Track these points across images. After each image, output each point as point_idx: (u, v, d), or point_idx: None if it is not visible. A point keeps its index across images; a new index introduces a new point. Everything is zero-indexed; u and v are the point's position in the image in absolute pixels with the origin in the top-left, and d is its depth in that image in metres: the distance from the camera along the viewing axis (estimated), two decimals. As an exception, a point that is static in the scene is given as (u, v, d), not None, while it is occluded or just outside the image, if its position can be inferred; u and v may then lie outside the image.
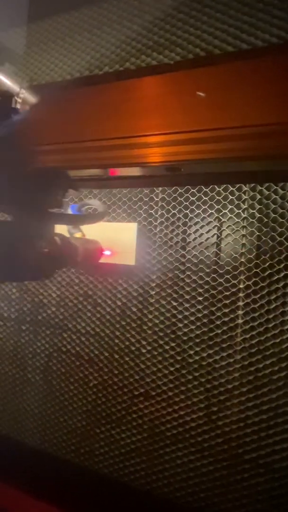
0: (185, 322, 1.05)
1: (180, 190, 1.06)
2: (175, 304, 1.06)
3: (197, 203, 1.03)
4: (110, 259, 1.14)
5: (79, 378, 1.23)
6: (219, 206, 1.01)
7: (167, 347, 1.07)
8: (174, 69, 0.74)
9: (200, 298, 1.03)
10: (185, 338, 1.05)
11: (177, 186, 1.03)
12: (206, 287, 1.02)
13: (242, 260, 0.97)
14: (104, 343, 1.18)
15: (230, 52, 0.99)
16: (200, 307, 1.03)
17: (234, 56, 1.00)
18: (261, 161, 0.58)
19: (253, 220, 0.96)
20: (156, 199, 1.10)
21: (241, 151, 0.52)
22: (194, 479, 1.03)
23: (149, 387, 1.10)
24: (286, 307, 0.92)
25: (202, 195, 1.03)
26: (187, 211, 1.05)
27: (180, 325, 1.05)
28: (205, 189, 1.02)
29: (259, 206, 0.95)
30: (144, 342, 1.11)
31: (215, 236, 1.02)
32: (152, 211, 1.11)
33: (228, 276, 0.99)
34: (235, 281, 0.98)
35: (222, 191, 0.99)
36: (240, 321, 0.97)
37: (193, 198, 1.04)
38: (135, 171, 0.66)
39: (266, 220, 0.94)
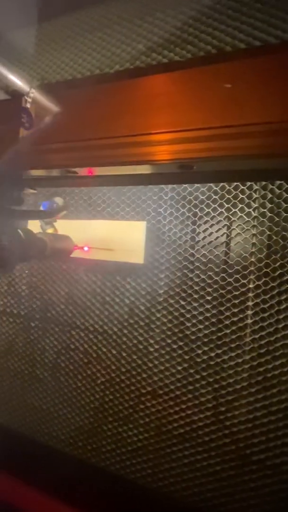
0: (194, 321, 1.04)
1: (189, 189, 1.05)
2: (183, 303, 1.06)
3: (207, 201, 1.03)
4: (116, 257, 1.15)
5: (87, 375, 1.24)
6: (229, 205, 1.00)
7: (175, 346, 1.07)
8: (186, 67, 0.73)
9: (209, 298, 1.02)
10: (193, 337, 1.04)
11: (189, 184, 1.02)
12: (215, 286, 1.01)
13: (252, 259, 0.96)
14: (112, 341, 1.19)
15: (241, 49, 0.97)
16: (208, 306, 1.02)
17: (246, 53, 0.98)
18: (273, 159, 0.57)
19: (264, 219, 0.95)
20: (165, 198, 1.10)
21: (253, 148, 0.51)
22: (201, 479, 1.02)
23: (157, 386, 1.10)
24: (297, 308, 0.91)
25: (212, 194, 1.02)
26: (197, 210, 1.05)
27: (189, 324, 1.05)
28: (215, 188, 1.01)
29: (270, 205, 0.94)
30: (152, 341, 1.11)
31: (225, 235, 1.01)
32: (161, 210, 1.11)
33: (237, 276, 0.98)
34: (244, 281, 0.97)
35: (232, 190, 0.98)
36: (249, 321, 0.96)
37: (203, 197, 1.03)
38: (147, 169, 0.66)
39: (277, 219, 0.93)
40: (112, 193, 1.20)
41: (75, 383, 1.26)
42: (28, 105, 1.07)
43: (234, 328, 0.98)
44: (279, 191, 0.93)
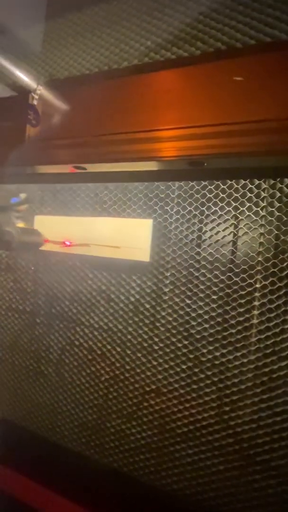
0: (199, 320, 1.04)
1: (197, 187, 1.04)
2: (189, 302, 1.06)
3: (214, 200, 1.02)
4: (121, 255, 1.15)
5: (91, 372, 1.24)
6: (236, 204, 0.99)
7: (179, 345, 1.07)
8: (195, 63, 0.72)
9: (215, 297, 1.01)
10: (198, 336, 1.04)
11: (199, 181, 1.02)
12: (221, 285, 1.01)
13: (259, 259, 0.95)
14: (117, 338, 1.19)
15: (252, 45, 0.96)
16: (214, 305, 1.01)
17: (256, 49, 0.97)
18: (285, 156, 0.56)
19: (272, 218, 0.94)
20: (172, 196, 1.09)
21: (264, 145, 0.50)
22: (204, 478, 1.02)
23: (161, 384, 1.10)
24: (304, 308, 0.90)
25: (220, 192, 1.01)
26: (204, 208, 1.04)
27: (194, 323, 1.05)
28: (222, 186, 1.00)
29: (278, 204, 0.93)
30: (156, 339, 1.11)
31: (232, 234, 1.00)
32: (167, 208, 1.10)
33: (244, 275, 0.97)
34: (251, 280, 0.96)
35: (240, 188, 0.97)
36: (255, 321, 0.96)
37: (210, 195, 1.03)
38: (156, 166, 0.66)
39: (285, 218, 0.92)
40: (119, 190, 1.20)
41: (79, 379, 1.27)
42: (35, 102, 1.07)
43: (239, 327, 0.97)
44: (288, 190, 0.92)
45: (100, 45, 1.22)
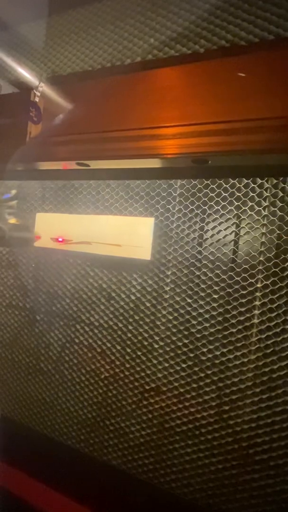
0: (199, 319, 1.04)
1: (199, 186, 1.04)
2: (189, 300, 1.05)
3: (216, 199, 1.02)
4: (123, 253, 1.14)
5: (91, 369, 1.24)
6: (239, 203, 0.98)
7: (180, 344, 1.07)
8: (199, 60, 0.72)
9: (216, 296, 1.01)
10: (198, 335, 1.04)
11: (203, 179, 1.01)
12: (222, 284, 1.00)
13: (261, 258, 0.95)
14: (117, 336, 1.19)
15: (255, 43, 0.95)
16: (215, 305, 1.01)
17: (259, 47, 0.96)
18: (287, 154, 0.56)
19: (274, 218, 0.93)
20: (174, 194, 1.09)
21: (269, 143, 0.50)
22: (202, 476, 1.02)
23: (160, 383, 1.09)
24: (305, 309, 0.90)
25: (222, 191, 1.01)
26: (206, 207, 1.04)
27: (194, 322, 1.04)
28: (225, 185, 1.00)
29: (280, 204, 0.92)
30: (157, 338, 1.11)
31: (233, 233, 1.00)
32: (169, 206, 1.10)
33: (245, 275, 0.97)
34: (252, 280, 0.96)
35: (242, 187, 0.97)
36: (256, 320, 0.95)
37: (212, 194, 1.02)
38: (160, 163, 0.65)
39: (287, 218, 0.92)
40: (121, 188, 1.19)
41: (78, 377, 1.27)
42: (37, 99, 1.07)
43: (240, 327, 0.97)
44: (290, 190, 0.92)
45: (103, 42, 1.22)
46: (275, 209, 0.93)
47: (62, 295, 1.32)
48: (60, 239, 1.27)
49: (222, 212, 1.01)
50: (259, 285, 0.95)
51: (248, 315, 0.96)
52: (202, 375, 1.03)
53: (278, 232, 0.93)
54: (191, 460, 1.04)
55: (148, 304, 1.13)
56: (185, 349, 1.06)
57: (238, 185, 0.98)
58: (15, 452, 1.27)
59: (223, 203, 1.01)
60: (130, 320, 1.16)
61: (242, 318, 0.97)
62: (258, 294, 0.95)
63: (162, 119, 0.56)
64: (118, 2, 1.21)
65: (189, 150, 0.55)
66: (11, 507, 1.15)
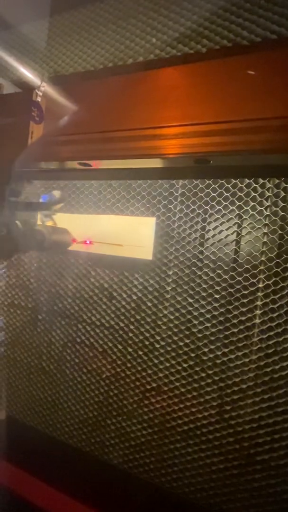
0: (201, 319, 1.04)
1: (200, 185, 1.04)
2: (191, 300, 1.05)
3: (218, 198, 1.01)
4: (124, 253, 1.14)
5: (92, 369, 1.24)
6: (240, 203, 0.98)
7: (181, 344, 1.07)
8: (201, 60, 0.72)
9: (217, 296, 1.01)
10: (200, 335, 1.04)
11: (205, 179, 1.01)
12: (223, 285, 1.00)
13: (263, 258, 0.95)
14: (118, 336, 1.19)
15: (257, 43, 0.95)
16: (216, 305, 1.01)
17: (262, 47, 0.96)
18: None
19: (276, 218, 0.93)
20: (176, 194, 1.09)
21: (271, 143, 0.50)
22: (204, 476, 1.02)
23: (162, 382, 1.10)
24: (307, 309, 0.90)
25: (224, 191, 1.00)
26: (207, 207, 1.04)
27: (196, 322, 1.04)
28: (226, 185, 1.00)
29: (283, 204, 0.92)
30: (158, 337, 1.11)
31: (235, 233, 1.00)
32: (171, 206, 1.10)
33: (247, 275, 0.97)
34: (254, 280, 0.96)
35: (244, 187, 0.97)
36: (257, 321, 0.95)
37: (214, 194, 1.02)
38: (162, 163, 0.65)
39: (289, 218, 0.91)
40: (122, 188, 1.19)
41: (80, 376, 1.27)
42: (39, 99, 1.07)
43: (242, 327, 0.97)
44: (292, 190, 0.91)
45: (105, 41, 1.22)
46: (277, 209, 0.93)
47: (64, 294, 1.32)
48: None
49: (224, 212, 1.01)
50: (260, 285, 0.95)
51: (249, 315, 0.96)
52: (204, 375, 1.03)
53: (280, 232, 0.93)
54: (192, 460, 1.04)
55: (149, 304, 1.13)
56: (186, 349, 1.06)
57: (240, 185, 0.98)
58: (16, 451, 1.28)
59: (224, 203, 1.01)
60: (132, 319, 1.16)
61: (243, 318, 0.97)
62: (259, 294, 0.95)
63: (164, 119, 0.56)
64: (120, 2, 1.21)
65: (191, 150, 0.55)
66: (12, 505, 1.15)
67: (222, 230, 1.02)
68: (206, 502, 1.02)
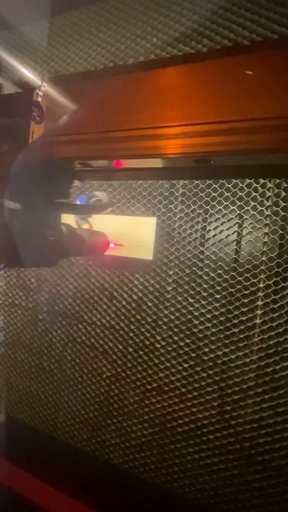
0: (201, 319, 1.03)
1: (201, 185, 1.04)
2: (191, 300, 1.05)
3: (219, 198, 1.01)
4: (125, 253, 1.14)
5: (93, 369, 1.24)
6: (241, 203, 0.98)
7: (181, 344, 1.07)
8: (202, 59, 0.72)
9: (218, 296, 1.01)
10: (200, 335, 1.04)
11: (205, 179, 1.01)
12: (224, 285, 1.00)
13: (263, 258, 0.95)
14: (119, 336, 1.19)
15: (258, 42, 0.95)
16: (217, 305, 1.01)
17: (262, 47, 0.96)
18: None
19: (277, 218, 0.93)
20: (176, 194, 1.09)
21: (271, 142, 0.50)
22: (204, 476, 1.02)
23: (162, 382, 1.10)
24: (308, 309, 0.90)
25: (224, 191, 1.00)
26: (208, 207, 1.04)
27: (196, 322, 1.04)
28: (227, 185, 1.00)
29: (283, 204, 0.92)
30: (158, 337, 1.11)
31: (236, 233, 1.00)
32: (171, 206, 1.10)
33: (247, 275, 0.97)
34: (254, 280, 0.96)
35: (245, 187, 0.97)
36: (258, 321, 0.95)
37: (215, 194, 1.02)
38: (162, 163, 0.65)
39: (290, 218, 0.91)
40: (123, 188, 1.19)
41: (81, 376, 1.27)
42: (39, 99, 1.07)
43: (242, 327, 0.97)
44: (293, 190, 0.91)
45: (106, 41, 1.22)
46: (278, 209, 0.93)
47: (65, 294, 1.32)
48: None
49: (225, 212, 1.01)
50: (261, 285, 0.95)
51: (250, 315, 0.96)
52: (204, 375, 1.03)
53: (281, 232, 0.93)
54: (193, 460, 1.04)
55: (150, 304, 1.13)
56: (187, 349, 1.06)
57: (241, 185, 0.98)
58: (17, 451, 1.28)
59: (225, 203, 1.01)
60: (132, 319, 1.16)
61: (244, 318, 0.97)
62: (260, 294, 0.95)
63: (165, 119, 0.56)
64: (120, 2, 1.21)
65: (191, 150, 0.55)
66: (12, 505, 1.15)
67: (222, 230, 1.01)
68: (206, 502, 1.02)
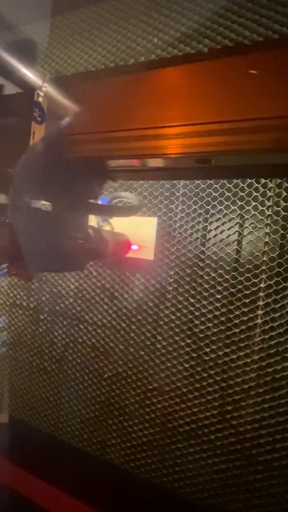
0: (202, 319, 1.03)
1: (202, 185, 1.04)
2: (192, 301, 1.05)
3: (220, 198, 1.01)
4: (132, 253, 1.14)
5: (94, 369, 1.24)
6: (242, 203, 0.98)
7: (182, 344, 1.07)
8: (203, 59, 0.72)
9: (219, 296, 1.01)
10: (201, 335, 1.04)
11: (206, 179, 1.01)
12: (225, 285, 1.00)
13: (264, 258, 0.95)
14: (120, 336, 1.19)
15: (259, 42, 0.95)
16: (218, 305, 1.01)
17: (263, 46, 0.96)
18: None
19: (278, 218, 0.93)
20: (177, 194, 1.09)
21: (272, 142, 0.50)
22: (205, 476, 1.02)
23: (163, 383, 1.10)
24: (309, 309, 0.90)
25: (225, 191, 1.00)
26: (209, 207, 1.04)
27: (197, 322, 1.04)
28: (228, 185, 1.00)
29: (284, 204, 0.92)
30: (159, 338, 1.11)
31: (237, 233, 1.00)
32: (172, 206, 1.10)
33: (248, 275, 0.97)
34: (255, 280, 0.96)
35: (246, 187, 0.97)
36: (259, 321, 0.95)
37: (216, 194, 1.02)
38: (163, 163, 0.65)
39: (291, 218, 0.91)
40: (124, 188, 1.19)
41: (82, 376, 1.27)
42: (40, 99, 1.07)
43: (243, 327, 0.97)
44: (294, 190, 0.91)
45: (107, 42, 1.22)
46: (279, 209, 0.93)
47: (66, 294, 1.32)
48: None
49: (226, 212, 1.01)
50: (262, 285, 0.95)
51: (251, 315, 0.96)
52: (205, 375, 1.03)
53: (282, 232, 0.93)
54: (194, 460, 1.04)
55: (151, 304, 1.13)
56: (188, 349, 1.06)
57: (242, 185, 0.98)
58: (18, 451, 1.28)
59: (226, 203, 1.01)
60: (133, 319, 1.17)
61: (245, 318, 0.97)
62: (261, 294, 0.95)
63: (165, 119, 0.56)
64: (121, 2, 1.21)
65: (192, 150, 0.55)
66: (13, 505, 1.15)
67: (223, 230, 1.01)
68: (207, 502, 1.02)
